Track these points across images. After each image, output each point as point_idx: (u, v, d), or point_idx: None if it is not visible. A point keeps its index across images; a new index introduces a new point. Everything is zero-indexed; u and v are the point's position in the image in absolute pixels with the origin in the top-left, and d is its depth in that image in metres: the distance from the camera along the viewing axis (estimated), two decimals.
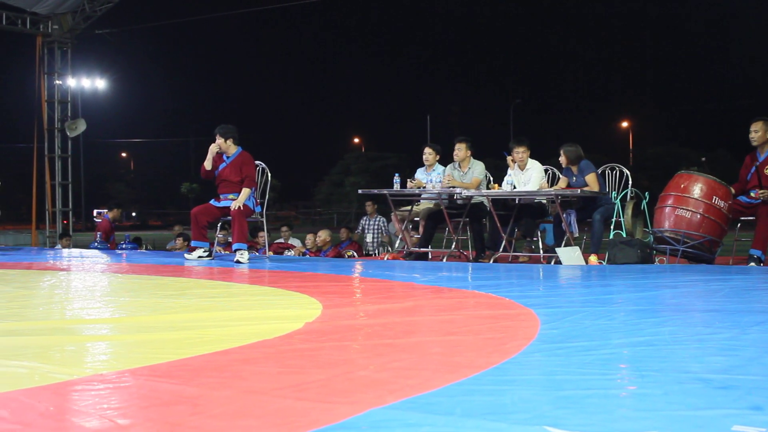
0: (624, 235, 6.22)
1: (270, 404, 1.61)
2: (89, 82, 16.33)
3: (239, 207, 6.47)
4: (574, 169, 6.49)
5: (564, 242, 6.40)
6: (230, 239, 7.48)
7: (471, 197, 6.89)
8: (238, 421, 1.48)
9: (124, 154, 63.98)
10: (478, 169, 7.06)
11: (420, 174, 7.50)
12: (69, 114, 14.94)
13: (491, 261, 6.63)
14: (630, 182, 6.68)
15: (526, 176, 6.75)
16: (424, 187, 7.17)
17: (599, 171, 6.64)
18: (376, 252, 9.84)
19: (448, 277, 5.00)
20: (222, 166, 6.79)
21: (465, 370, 1.90)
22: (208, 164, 6.79)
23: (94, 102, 17.73)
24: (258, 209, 6.99)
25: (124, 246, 10.33)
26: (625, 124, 45.16)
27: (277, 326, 2.71)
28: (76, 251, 9.33)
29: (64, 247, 11.62)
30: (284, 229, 10.46)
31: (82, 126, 14.63)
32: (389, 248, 9.37)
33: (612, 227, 6.40)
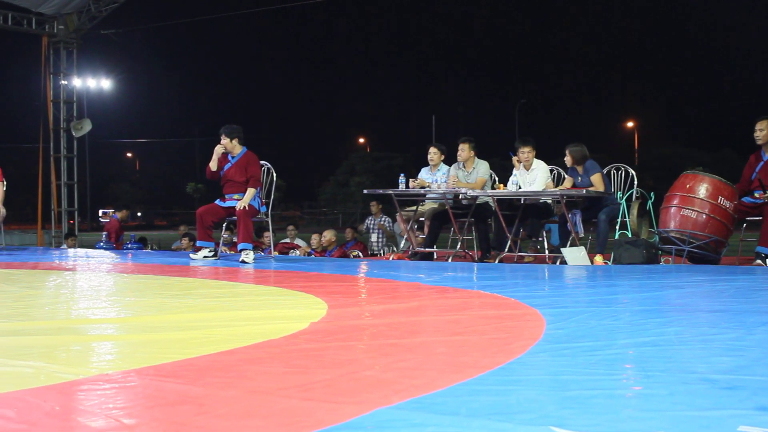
0: (629, 236, 6.21)
1: (276, 404, 1.61)
2: (95, 82, 16.38)
3: (244, 207, 6.48)
4: (580, 169, 6.48)
5: (569, 242, 6.38)
6: (235, 239, 7.48)
7: (476, 197, 6.89)
8: (243, 421, 1.48)
9: (129, 155, 64.15)
10: (482, 169, 7.05)
11: (424, 174, 7.47)
12: (74, 114, 15.02)
13: (496, 261, 6.62)
14: (635, 182, 6.67)
15: (532, 176, 6.73)
16: (429, 187, 7.16)
17: (605, 171, 6.63)
18: (381, 252, 9.85)
19: (454, 277, 5.00)
20: (227, 166, 6.79)
21: (470, 370, 1.90)
22: (213, 165, 6.79)
23: (99, 102, 17.77)
24: (263, 209, 7.01)
25: (129, 246, 10.37)
26: (630, 124, 45.03)
27: (282, 326, 2.71)
28: (81, 251, 9.35)
29: (69, 247, 11.63)
30: (290, 228, 10.46)
31: (87, 126, 14.69)
32: (394, 247, 9.38)
33: (617, 227, 6.39)
